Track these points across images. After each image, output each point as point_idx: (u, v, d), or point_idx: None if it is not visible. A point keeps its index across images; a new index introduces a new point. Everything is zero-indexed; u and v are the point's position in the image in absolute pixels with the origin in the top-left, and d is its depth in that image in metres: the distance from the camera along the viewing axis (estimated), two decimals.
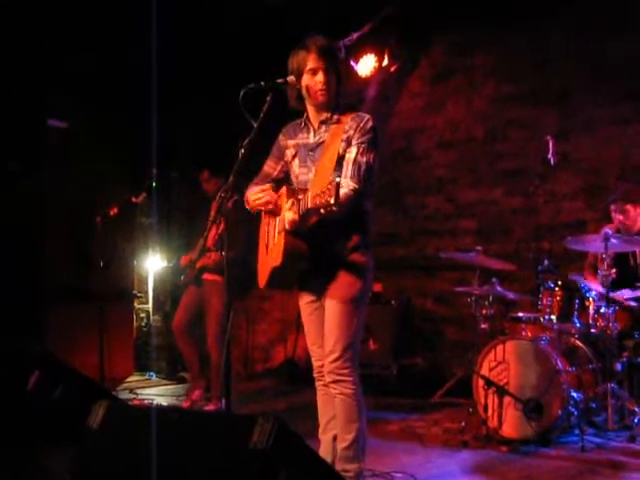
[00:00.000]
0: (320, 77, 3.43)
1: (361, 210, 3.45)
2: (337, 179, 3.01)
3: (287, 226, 3.28)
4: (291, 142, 3.62)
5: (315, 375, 3.64)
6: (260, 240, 3.67)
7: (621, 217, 5.34)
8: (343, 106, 3.54)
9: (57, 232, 6.82)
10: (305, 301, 3.62)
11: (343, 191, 3.18)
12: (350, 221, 3.39)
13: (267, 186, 3.52)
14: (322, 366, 3.57)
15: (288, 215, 3.26)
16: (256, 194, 3.53)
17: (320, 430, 3.64)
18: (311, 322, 3.62)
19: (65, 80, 6.53)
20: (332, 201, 2.93)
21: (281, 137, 3.68)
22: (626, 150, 6.23)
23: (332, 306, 3.43)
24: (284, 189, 3.44)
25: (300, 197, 3.19)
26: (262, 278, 3.59)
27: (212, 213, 5.99)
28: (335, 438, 3.55)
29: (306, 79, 3.45)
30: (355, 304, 3.42)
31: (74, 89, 6.65)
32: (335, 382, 3.43)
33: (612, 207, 5.43)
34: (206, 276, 5.91)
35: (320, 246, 3.37)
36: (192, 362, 6.12)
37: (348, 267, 3.40)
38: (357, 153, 3.36)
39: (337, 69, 3.49)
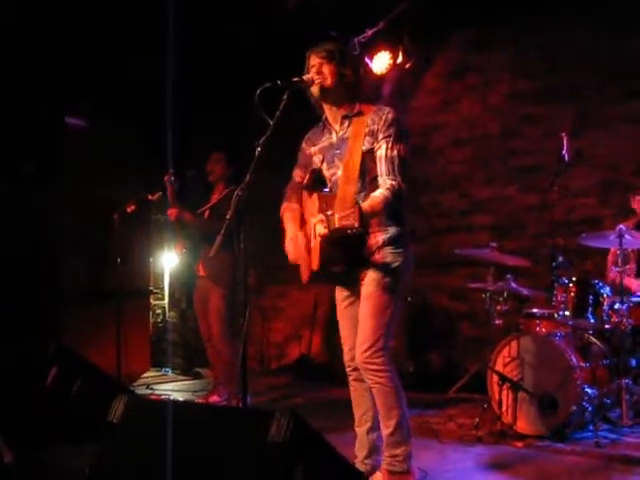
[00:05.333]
0: (314, 71, 3.51)
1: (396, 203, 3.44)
2: (359, 201, 3.17)
3: (319, 238, 3.33)
4: (315, 148, 3.69)
5: (347, 370, 3.69)
6: (303, 237, 3.69)
7: None
8: (364, 98, 3.59)
9: (74, 230, 6.87)
10: (341, 295, 3.69)
11: (380, 192, 3.34)
12: (385, 215, 3.44)
13: (293, 235, 3.62)
14: (352, 360, 3.62)
15: (319, 229, 3.26)
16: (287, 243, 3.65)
17: (356, 423, 3.70)
18: (345, 317, 3.68)
19: (83, 79, 6.57)
20: (357, 224, 3.05)
21: (304, 145, 3.76)
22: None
23: (365, 297, 3.48)
24: (315, 196, 3.47)
25: (329, 213, 3.19)
26: (304, 275, 3.62)
27: (212, 198, 6.01)
28: (370, 430, 3.62)
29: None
30: (388, 295, 3.45)
31: (92, 88, 6.69)
32: (367, 371, 3.47)
33: (638, 198, 5.46)
34: (200, 271, 5.93)
35: (356, 244, 3.43)
36: (216, 368, 6.10)
37: (382, 259, 3.45)
38: (387, 148, 3.42)
39: (341, 63, 3.52)
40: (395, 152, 3.42)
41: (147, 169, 7.08)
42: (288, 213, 3.72)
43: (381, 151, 3.43)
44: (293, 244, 3.62)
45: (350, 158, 3.47)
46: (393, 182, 3.38)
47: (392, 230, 3.48)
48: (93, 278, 6.87)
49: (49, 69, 6.39)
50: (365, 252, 3.47)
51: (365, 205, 3.26)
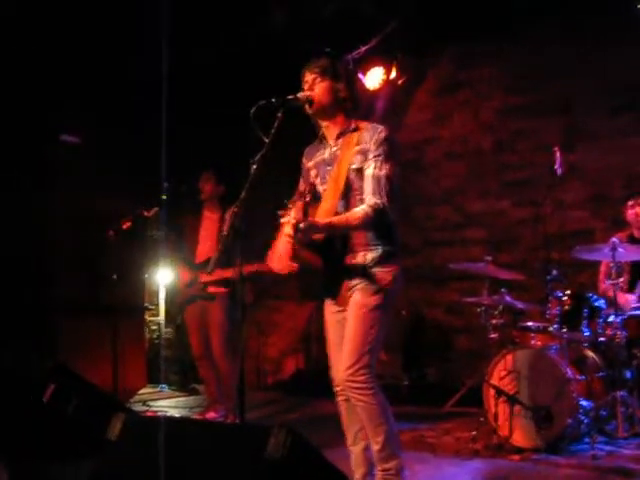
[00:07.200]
0: (307, 87, 3.55)
1: (384, 222, 3.47)
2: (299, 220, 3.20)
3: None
4: (311, 163, 3.72)
5: (335, 389, 3.65)
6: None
7: (639, 210, 5.42)
8: (359, 114, 3.61)
9: (70, 246, 6.88)
10: (330, 313, 3.67)
11: (362, 208, 3.38)
12: (373, 233, 3.46)
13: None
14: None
15: (286, 229, 3.33)
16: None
17: (349, 442, 3.66)
18: (333, 335, 3.65)
19: (77, 95, 6.59)
20: (292, 235, 3.18)
21: (304, 160, 3.79)
22: (630, 159, 6.30)
23: (351, 315, 3.48)
24: (301, 205, 3.50)
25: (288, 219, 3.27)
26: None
27: (204, 216, 6.04)
28: (366, 448, 3.58)
29: None
30: (375, 314, 3.45)
31: (86, 104, 6.72)
32: (351, 389, 3.45)
33: (629, 203, 5.49)
34: (210, 289, 5.91)
35: (343, 259, 3.45)
36: (210, 385, 6.11)
37: (369, 278, 3.46)
38: (375, 168, 3.43)
39: (335, 79, 3.54)
40: (383, 172, 3.43)
41: (143, 185, 7.09)
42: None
43: (369, 170, 3.45)
44: (271, 255, 3.59)
45: (337, 174, 3.50)
46: (377, 201, 3.39)
47: (381, 249, 3.48)
48: (89, 294, 6.87)
49: (40, 83, 6.40)
50: (353, 269, 3.48)
51: (339, 217, 3.39)
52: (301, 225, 3.20)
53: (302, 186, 3.79)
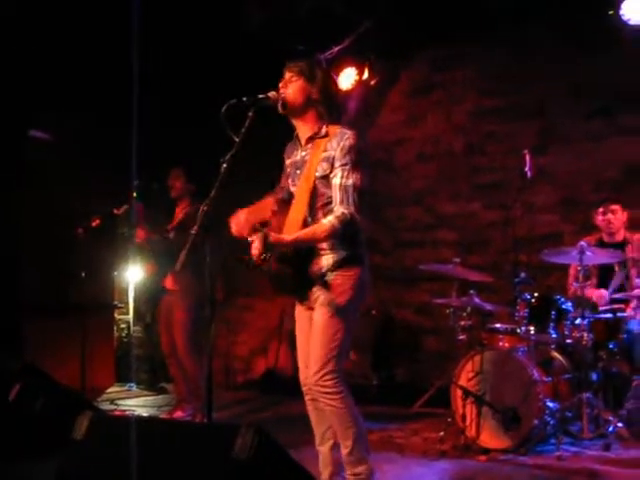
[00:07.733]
0: (281, 85, 3.53)
1: (350, 229, 3.46)
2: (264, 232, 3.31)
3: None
4: (288, 161, 3.72)
5: (303, 389, 3.65)
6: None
7: (610, 216, 5.46)
8: (332, 118, 3.59)
9: (38, 243, 6.81)
10: (299, 313, 3.69)
11: (328, 220, 3.38)
12: (338, 238, 3.45)
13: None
14: (307, 378, 3.59)
15: (253, 250, 3.37)
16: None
17: (317, 442, 3.66)
18: (302, 335, 3.66)
19: (48, 92, 6.53)
20: (254, 258, 3.31)
21: (284, 156, 3.78)
22: (600, 164, 6.36)
23: (316, 319, 3.48)
24: (276, 210, 3.54)
25: (254, 238, 3.35)
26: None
27: (177, 217, 6.03)
28: (333, 447, 3.59)
29: None
30: (338, 317, 3.44)
31: (57, 102, 6.66)
32: (319, 394, 3.46)
33: (601, 209, 5.54)
34: (166, 283, 5.90)
35: (307, 263, 3.46)
36: (179, 383, 6.10)
37: (332, 282, 3.45)
38: (342, 177, 3.42)
39: (309, 81, 3.53)
40: (350, 181, 3.42)
41: (112, 182, 7.03)
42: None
43: (336, 179, 3.43)
44: (236, 219, 3.59)
45: (304, 182, 3.51)
46: (345, 211, 3.38)
47: (343, 252, 3.47)
48: (57, 292, 6.81)
49: (12, 80, 6.33)
50: (316, 273, 3.48)
51: (306, 231, 3.40)
52: (269, 239, 3.26)
53: (283, 181, 3.80)
